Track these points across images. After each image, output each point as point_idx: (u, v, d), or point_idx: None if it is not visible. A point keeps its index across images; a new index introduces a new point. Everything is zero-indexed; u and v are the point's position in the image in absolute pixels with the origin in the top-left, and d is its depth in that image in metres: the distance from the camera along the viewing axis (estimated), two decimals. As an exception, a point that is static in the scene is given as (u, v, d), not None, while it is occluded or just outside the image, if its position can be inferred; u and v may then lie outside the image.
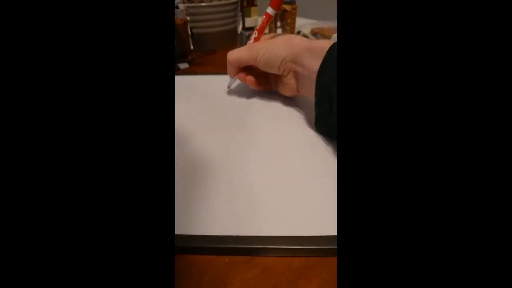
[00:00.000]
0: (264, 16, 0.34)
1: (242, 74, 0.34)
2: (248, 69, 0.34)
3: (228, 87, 0.37)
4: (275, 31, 0.55)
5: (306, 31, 0.55)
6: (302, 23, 0.59)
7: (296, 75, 0.30)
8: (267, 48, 0.31)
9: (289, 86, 0.32)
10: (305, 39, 0.29)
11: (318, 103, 0.26)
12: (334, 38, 0.48)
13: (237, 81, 0.36)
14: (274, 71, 0.31)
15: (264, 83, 0.35)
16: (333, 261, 0.18)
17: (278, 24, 0.55)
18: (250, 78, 0.34)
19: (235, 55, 0.33)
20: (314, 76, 0.26)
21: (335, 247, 0.18)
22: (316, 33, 0.53)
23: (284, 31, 0.54)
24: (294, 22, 0.52)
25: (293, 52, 0.29)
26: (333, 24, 0.56)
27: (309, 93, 0.28)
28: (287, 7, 0.50)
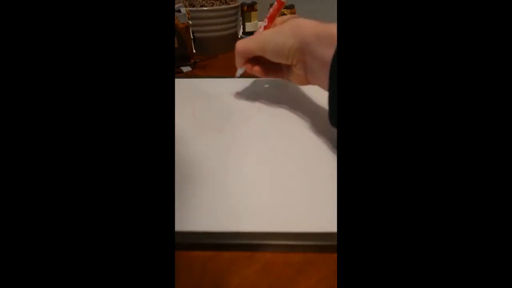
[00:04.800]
0: (276, 3, 0.29)
1: (248, 65, 0.32)
2: (256, 59, 0.32)
3: (236, 76, 0.36)
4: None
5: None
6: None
7: (305, 65, 0.27)
8: (273, 36, 0.28)
9: (298, 76, 0.29)
10: (315, 22, 0.26)
11: (332, 96, 0.24)
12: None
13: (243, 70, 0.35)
14: (283, 60, 0.28)
15: (273, 71, 0.32)
16: (332, 258, 0.18)
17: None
18: (256, 68, 0.32)
19: (243, 44, 0.30)
20: (327, 67, 0.23)
21: (335, 243, 0.18)
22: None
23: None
24: (294, 26, 0.52)
25: (301, 40, 0.26)
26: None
27: (322, 84, 0.25)
28: (286, 11, 0.51)
